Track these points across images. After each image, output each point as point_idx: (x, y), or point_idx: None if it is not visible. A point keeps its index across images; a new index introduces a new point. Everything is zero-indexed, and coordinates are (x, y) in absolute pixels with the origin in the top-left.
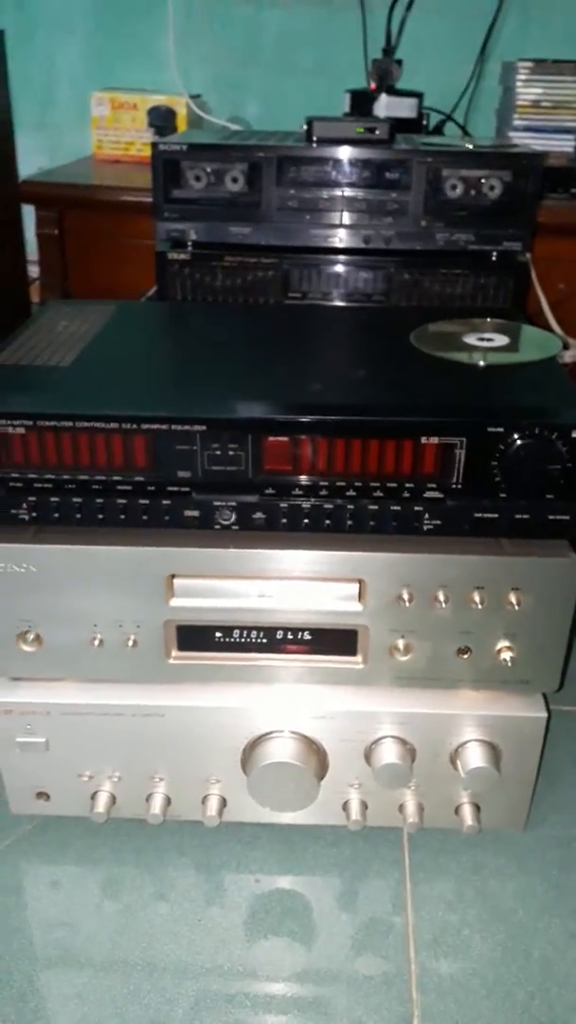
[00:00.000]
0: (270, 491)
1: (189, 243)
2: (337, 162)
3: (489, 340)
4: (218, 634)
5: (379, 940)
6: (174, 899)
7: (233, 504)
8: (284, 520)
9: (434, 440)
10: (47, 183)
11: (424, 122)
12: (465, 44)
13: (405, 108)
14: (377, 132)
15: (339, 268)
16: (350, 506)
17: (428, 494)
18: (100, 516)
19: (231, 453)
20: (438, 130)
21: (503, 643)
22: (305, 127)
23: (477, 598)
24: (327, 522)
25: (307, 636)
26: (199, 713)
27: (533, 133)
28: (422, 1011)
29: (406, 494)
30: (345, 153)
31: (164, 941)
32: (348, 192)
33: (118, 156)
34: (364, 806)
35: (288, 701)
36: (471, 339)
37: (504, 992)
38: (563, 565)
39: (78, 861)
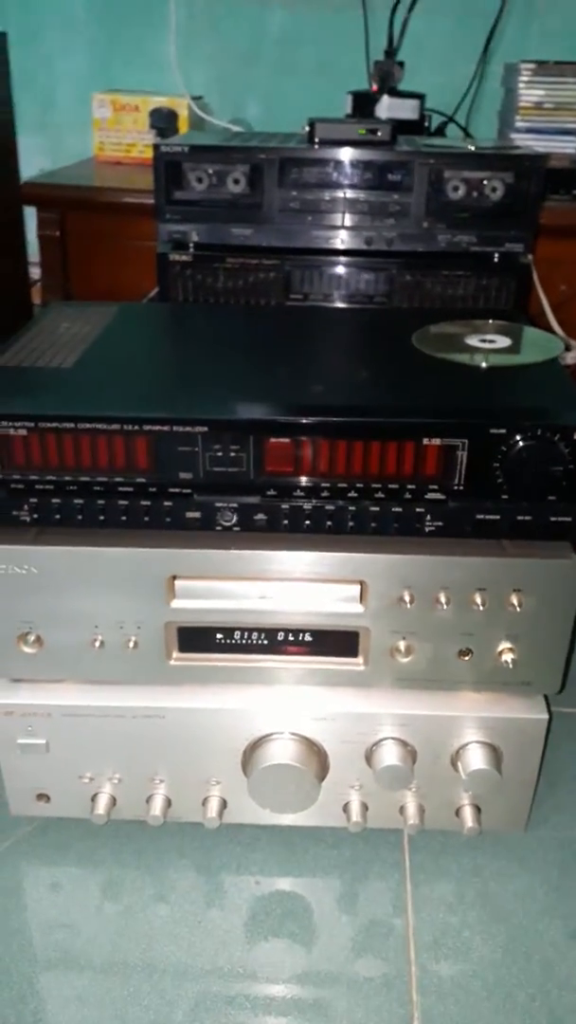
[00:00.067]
0: (272, 492)
1: (191, 244)
2: (339, 163)
3: (491, 342)
4: (219, 635)
5: (379, 942)
6: (174, 901)
7: (234, 505)
8: (285, 521)
9: (436, 442)
10: (49, 185)
11: (426, 124)
12: (467, 45)
13: (407, 110)
14: (379, 134)
15: (341, 269)
16: (351, 507)
17: (430, 495)
18: (101, 517)
19: (233, 454)
20: (440, 132)
21: (504, 645)
22: (307, 128)
23: (478, 600)
24: (328, 523)
25: (308, 637)
26: (200, 715)
27: (535, 135)
28: (422, 1013)
29: (408, 495)
30: (347, 154)
31: (164, 943)
32: (350, 194)
33: (120, 158)
34: (365, 808)
35: (289, 702)
36: (473, 341)
37: (504, 994)
38: (565, 567)
39: (78, 863)
